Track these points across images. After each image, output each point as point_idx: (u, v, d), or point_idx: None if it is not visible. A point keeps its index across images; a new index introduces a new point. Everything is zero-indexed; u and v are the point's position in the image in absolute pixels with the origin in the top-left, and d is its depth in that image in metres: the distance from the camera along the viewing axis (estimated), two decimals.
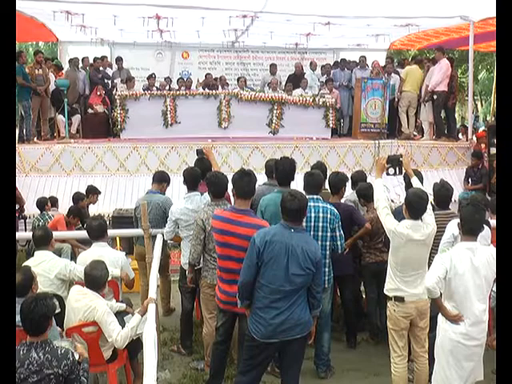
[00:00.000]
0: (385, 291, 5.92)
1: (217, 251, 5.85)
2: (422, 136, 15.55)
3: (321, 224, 6.28)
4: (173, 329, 7.86)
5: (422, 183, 7.03)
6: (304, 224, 6.19)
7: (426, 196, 5.77)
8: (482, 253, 5.15)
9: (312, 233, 6.26)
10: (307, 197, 6.29)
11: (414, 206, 5.68)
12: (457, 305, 5.07)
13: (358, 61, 16.94)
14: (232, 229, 5.60)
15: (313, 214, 6.27)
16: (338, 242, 6.36)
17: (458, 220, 5.48)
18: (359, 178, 8.14)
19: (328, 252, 6.36)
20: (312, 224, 6.27)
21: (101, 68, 16.59)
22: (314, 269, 5.03)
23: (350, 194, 8.06)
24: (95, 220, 6.98)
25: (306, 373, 6.68)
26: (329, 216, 6.28)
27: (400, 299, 5.71)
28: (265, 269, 5.04)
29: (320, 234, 6.29)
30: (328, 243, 6.33)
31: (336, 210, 6.38)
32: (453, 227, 5.97)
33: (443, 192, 6.83)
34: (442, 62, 14.40)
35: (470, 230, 5.19)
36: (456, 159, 14.70)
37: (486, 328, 5.15)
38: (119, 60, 17.18)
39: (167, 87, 16.07)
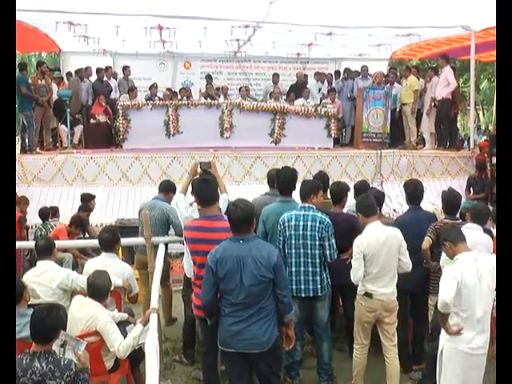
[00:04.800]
0: (357, 294, 6.33)
1: (192, 260, 5.90)
2: (424, 146, 15.57)
3: (309, 233, 6.29)
4: (175, 338, 7.85)
5: (422, 193, 7.14)
6: (293, 232, 6.25)
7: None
8: (484, 261, 5.17)
9: (301, 241, 6.32)
10: (299, 205, 6.36)
11: (362, 206, 6.35)
12: (464, 314, 5.07)
13: (359, 70, 17.01)
14: (203, 236, 5.66)
15: (302, 223, 6.31)
16: (327, 252, 6.34)
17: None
18: (362, 188, 8.12)
19: (318, 260, 6.35)
20: (301, 232, 6.31)
21: (104, 78, 16.66)
22: (270, 275, 5.02)
23: (352, 203, 8.05)
24: (107, 232, 6.98)
25: (309, 382, 6.71)
26: (318, 225, 6.28)
27: (369, 295, 6.17)
28: (222, 285, 5.08)
29: (309, 242, 6.31)
30: (317, 251, 6.32)
31: (327, 219, 6.37)
32: None
33: (452, 199, 6.90)
34: (445, 70, 14.44)
35: (459, 240, 5.30)
36: (458, 169, 14.71)
37: (489, 336, 5.17)
38: (126, 68, 17.36)
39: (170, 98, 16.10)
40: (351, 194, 7.84)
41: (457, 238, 5.33)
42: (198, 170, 7.34)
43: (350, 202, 7.93)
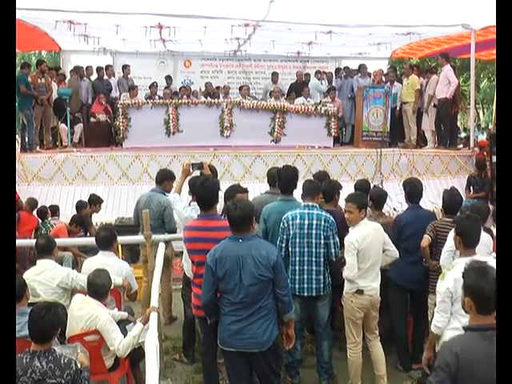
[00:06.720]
0: (344, 293, 6.34)
1: (190, 259, 5.92)
2: (425, 145, 15.56)
3: (314, 231, 6.28)
4: (175, 337, 7.84)
5: (421, 192, 7.12)
6: (298, 231, 6.25)
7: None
8: None
9: (306, 240, 6.30)
10: (303, 204, 6.35)
11: (364, 203, 6.39)
12: (464, 319, 5.03)
13: (359, 69, 17.00)
14: (201, 235, 5.69)
15: (306, 221, 6.29)
16: (332, 250, 6.33)
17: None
18: (363, 187, 8.10)
19: (322, 259, 6.34)
20: (306, 231, 6.29)
21: (104, 77, 16.67)
22: (270, 274, 5.02)
23: None
24: (104, 230, 6.98)
25: (309, 380, 6.72)
26: (322, 223, 6.28)
27: (360, 292, 6.21)
28: (222, 284, 5.09)
29: (314, 241, 6.29)
30: (322, 250, 6.31)
31: (331, 218, 6.36)
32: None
33: (453, 199, 6.88)
34: (445, 69, 14.46)
35: (471, 244, 5.20)
36: (458, 168, 14.73)
37: None
38: (125, 67, 17.39)
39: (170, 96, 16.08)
40: (345, 192, 7.79)
41: (470, 241, 5.23)
42: (191, 170, 7.43)
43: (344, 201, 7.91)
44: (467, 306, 3.91)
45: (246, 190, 6.70)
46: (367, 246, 6.16)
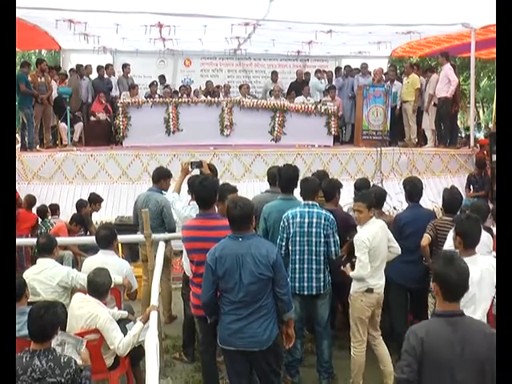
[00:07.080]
0: (353, 292, 6.35)
1: (189, 258, 5.92)
2: (425, 144, 15.55)
3: (314, 230, 6.26)
4: (175, 336, 7.84)
5: (421, 191, 7.12)
6: (298, 229, 6.24)
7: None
8: (484, 264, 5.12)
9: (306, 238, 6.28)
10: (303, 202, 6.34)
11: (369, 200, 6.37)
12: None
13: (359, 68, 16.99)
14: (200, 234, 5.70)
15: (306, 220, 6.28)
16: (332, 249, 6.31)
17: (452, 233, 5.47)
18: (363, 186, 8.10)
19: (322, 257, 6.33)
20: (306, 229, 6.28)
21: (105, 76, 16.68)
22: (269, 273, 5.01)
23: (351, 202, 8.02)
24: (104, 229, 6.98)
25: (308, 380, 6.72)
26: (322, 222, 6.26)
27: (370, 290, 6.24)
28: (222, 283, 5.08)
29: (313, 239, 6.28)
30: (322, 249, 6.30)
31: (331, 216, 6.35)
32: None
33: (453, 197, 6.88)
34: (445, 68, 14.46)
35: (471, 244, 5.18)
36: (458, 166, 14.73)
37: None
38: (125, 66, 17.37)
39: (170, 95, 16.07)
40: (345, 191, 7.80)
41: (471, 241, 5.18)
42: (190, 169, 7.43)
43: (344, 200, 7.90)
44: (434, 291, 3.96)
45: (235, 190, 6.69)
46: (377, 244, 6.19)
